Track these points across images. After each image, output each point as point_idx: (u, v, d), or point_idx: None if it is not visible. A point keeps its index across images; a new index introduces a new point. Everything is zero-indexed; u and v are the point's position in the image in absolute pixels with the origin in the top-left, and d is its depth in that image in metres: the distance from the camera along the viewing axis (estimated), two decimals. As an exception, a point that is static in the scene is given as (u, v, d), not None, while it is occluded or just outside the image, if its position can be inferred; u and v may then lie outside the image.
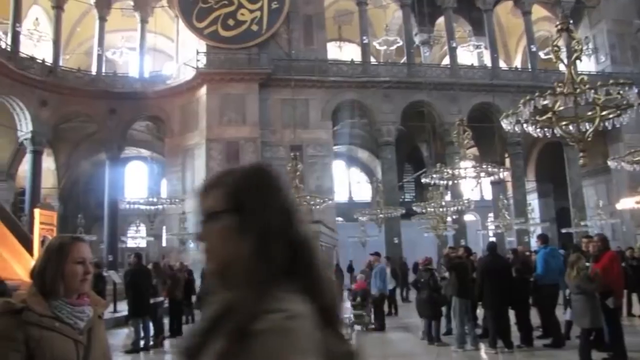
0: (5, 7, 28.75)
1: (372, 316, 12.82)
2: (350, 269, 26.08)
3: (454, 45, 32.64)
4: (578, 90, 7.47)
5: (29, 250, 19.82)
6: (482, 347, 9.63)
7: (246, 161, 20.32)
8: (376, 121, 30.22)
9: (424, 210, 22.54)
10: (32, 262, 19.07)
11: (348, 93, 29.86)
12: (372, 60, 34.29)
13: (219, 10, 28.56)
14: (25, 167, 30.46)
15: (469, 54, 36.20)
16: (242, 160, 26.83)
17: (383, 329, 12.44)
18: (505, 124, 9.04)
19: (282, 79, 28.42)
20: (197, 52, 28.36)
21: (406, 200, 38.51)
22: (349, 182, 43.34)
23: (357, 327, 12.24)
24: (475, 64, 34.28)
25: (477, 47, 35.19)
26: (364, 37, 31.88)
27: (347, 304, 14.05)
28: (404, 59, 33.24)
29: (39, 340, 1.89)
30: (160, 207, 23.98)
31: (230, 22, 28.52)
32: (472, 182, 16.32)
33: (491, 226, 32.49)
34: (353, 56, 34.09)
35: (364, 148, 39.85)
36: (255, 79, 28.12)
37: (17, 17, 28.81)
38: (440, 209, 21.47)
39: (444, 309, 10.72)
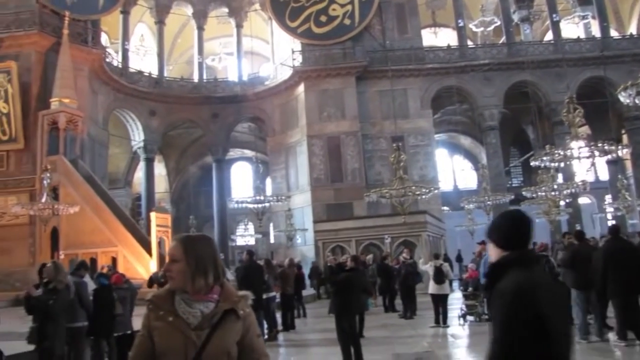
0: (115, 27, 31.02)
1: (485, 306, 12.37)
2: (459, 258, 25.49)
3: (557, 18, 30.88)
4: None
5: (148, 251, 21.01)
6: (610, 338, 8.96)
7: (348, 155, 20.50)
8: (478, 106, 29.25)
9: (534, 195, 21.55)
10: (150, 262, 20.19)
11: (447, 79, 29.10)
12: (470, 43, 33.18)
13: (310, 8, 28.77)
14: (139, 174, 32.48)
15: (574, 27, 34.02)
16: (344, 155, 26.94)
17: (498, 320, 11.97)
18: (624, 97, 8.41)
19: (379, 70, 28.19)
20: (292, 51, 28.78)
21: (514, 185, 37.05)
22: (452, 170, 42.33)
23: (470, 318, 11.87)
24: (582, 36, 32.14)
25: (584, 17, 32.93)
26: (460, 20, 30.93)
27: (459, 295, 13.71)
28: (502, 39, 31.95)
29: (155, 330, 2.05)
30: (266, 204, 24.55)
31: (323, 18, 28.65)
32: (586, 162, 15.33)
33: (609, 208, 30.45)
34: (449, 41, 33.20)
35: (467, 134, 38.72)
36: (351, 72, 28.07)
37: (126, 36, 30.98)
38: (552, 193, 20.43)
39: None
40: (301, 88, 28.50)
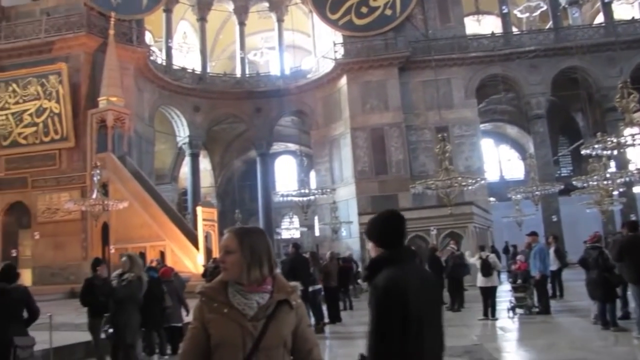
0: (158, 26, 31.59)
1: (535, 299, 12.11)
2: (506, 250, 25.00)
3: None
4: None
5: (195, 245, 21.38)
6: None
7: (392, 147, 20.35)
8: (524, 94, 28.59)
9: (584, 185, 20.92)
10: (198, 255, 20.54)
11: (491, 68, 28.54)
12: (514, 30, 32.42)
13: (351, 0, 28.59)
14: (185, 170, 33.06)
15: (628, 7, 32.70)
16: (388, 146, 26.79)
17: (548, 312, 11.68)
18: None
19: (422, 60, 27.86)
20: (334, 44, 28.70)
21: (563, 175, 36.10)
22: (499, 161, 41.54)
23: (520, 311, 11.64)
24: (637, 16, 30.82)
25: (639, -4, 31.62)
26: (504, 7, 30.28)
27: (508, 287, 13.47)
28: (549, 25, 31.08)
29: (210, 321, 2.05)
30: (311, 197, 24.63)
31: (364, 9, 28.45)
32: (642, 149, 14.80)
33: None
34: (493, 29, 32.45)
35: (513, 123, 37.86)
36: (394, 63, 27.82)
37: (169, 34, 31.57)
38: (605, 182, 19.80)
39: (619, 289, 9.77)
40: (343, 80, 28.41)
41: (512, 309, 11.62)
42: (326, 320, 11.63)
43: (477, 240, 20.53)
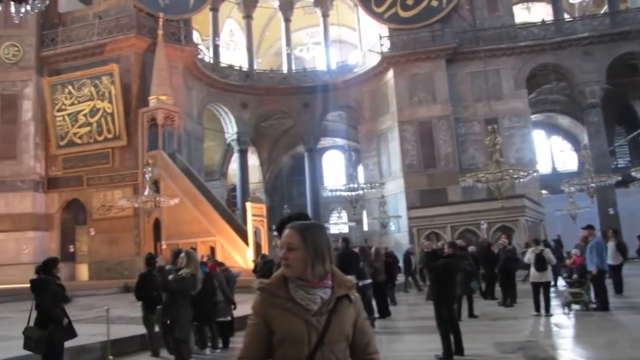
0: (205, 25, 32.08)
1: (592, 295, 11.71)
2: (560, 244, 24.32)
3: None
4: None
5: (245, 240, 21.62)
6: None
7: (441, 140, 20.04)
8: (577, 83, 27.71)
9: (644, 176, 20.17)
10: (247, 251, 20.76)
11: (542, 57, 27.75)
12: (566, 16, 31.42)
13: (396, -8, 28.28)
14: (233, 166, 33.50)
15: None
16: (437, 139, 26.45)
17: (606, 309, 11.27)
18: None
19: (469, 51, 27.36)
20: (380, 37, 28.48)
21: (620, 166, 34.86)
22: (551, 152, 40.46)
23: (576, 307, 11.28)
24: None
25: None
26: (555, -7, 29.42)
27: (562, 282, 13.08)
28: (604, 9, 30.03)
29: (274, 317, 2.04)
30: (360, 192, 24.56)
31: (409, 1, 28.09)
32: None
33: None
34: (543, 16, 31.58)
35: (565, 114, 36.80)
36: (441, 55, 27.40)
37: (216, 32, 31.98)
38: (666, 172, 19.04)
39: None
40: (390, 74, 28.17)
41: (567, 304, 11.28)
42: (376, 315, 11.56)
43: (529, 234, 20.07)
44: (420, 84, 27.35)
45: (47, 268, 5.95)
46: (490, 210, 21.07)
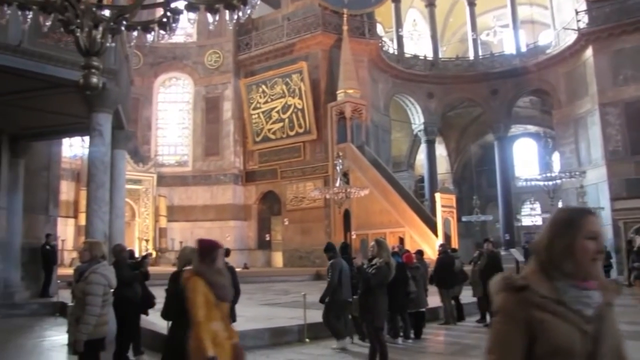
0: (388, 17, 32.24)
1: None
2: None
3: None
4: None
5: (434, 231, 21.37)
6: None
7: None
8: None
9: None
10: (437, 242, 20.48)
11: None
12: None
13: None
14: (421, 157, 33.32)
15: None
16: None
17: None
18: None
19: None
20: (576, 12, 26.06)
21: None
22: None
23: None
24: None
25: None
26: None
27: None
28: None
29: (541, 323, 1.66)
30: (558, 182, 22.98)
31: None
32: None
33: None
34: None
35: None
36: (653, 25, 24.26)
37: (399, 23, 32.08)
38: None
39: None
40: (589, 52, 25.63)
41: None
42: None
43: None
44: (627, 60, 24.41)
45: None
46: None
